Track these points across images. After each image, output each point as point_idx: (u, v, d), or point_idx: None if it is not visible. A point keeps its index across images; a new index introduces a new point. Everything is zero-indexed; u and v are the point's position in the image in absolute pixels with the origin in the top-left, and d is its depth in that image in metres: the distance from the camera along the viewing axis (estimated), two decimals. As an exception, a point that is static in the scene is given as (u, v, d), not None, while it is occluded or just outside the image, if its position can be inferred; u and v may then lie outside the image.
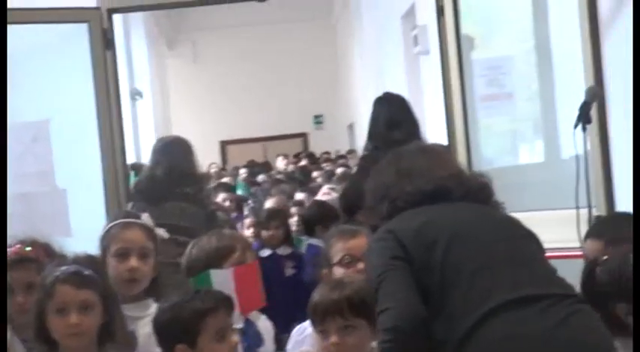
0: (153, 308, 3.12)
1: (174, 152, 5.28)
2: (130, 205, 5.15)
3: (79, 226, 4.83)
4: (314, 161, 14.08)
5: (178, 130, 18.68)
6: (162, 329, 2.72)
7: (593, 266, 2.69)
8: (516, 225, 2.64)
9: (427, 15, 9.97)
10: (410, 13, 11.08)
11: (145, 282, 3.19)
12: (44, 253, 3.24)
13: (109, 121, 5.11)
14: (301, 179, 10.49)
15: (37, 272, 3.12)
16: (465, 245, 2.51)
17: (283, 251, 5.85)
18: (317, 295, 2.86)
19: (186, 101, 19.05)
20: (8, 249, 3.24)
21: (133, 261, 3.17)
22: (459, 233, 2.53)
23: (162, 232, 3.34)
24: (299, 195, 7.43)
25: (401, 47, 11.98)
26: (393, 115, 5.26)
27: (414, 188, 2.68)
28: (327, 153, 16.29)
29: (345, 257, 3.31)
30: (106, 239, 3.25)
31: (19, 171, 4.93)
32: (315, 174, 11.69)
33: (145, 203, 5.04)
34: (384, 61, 13.48)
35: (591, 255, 3.08)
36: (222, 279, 2.90)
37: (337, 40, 19.23)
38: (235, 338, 2.74)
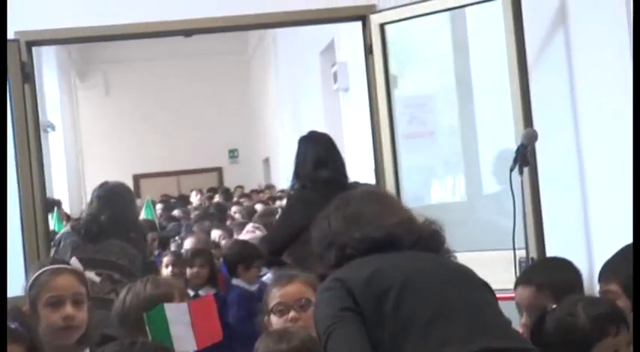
0: None
1: (120, 200, 5.18)
2: (59, 240, 5.00)
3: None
4: (229, 197, 13.92)
5: (90, 163, 18.42)
6: None
7: (543, 315, 2.63)
8: (469, 273, 2.57)
9: (347, 51, 10.02)
10: (329, 49, 11.12)
11: (81, 329, 3.02)
12: None
13: (28, 157, 4.92)
14: (218, 215, 10.33)
15: None
16: (417, 294, 2.42)
17: (206, 292, 5.70)
18: (262, 346, 2.73)
19: (98, 134, 18.73)
20: None
21: (69, 309, 2.98)
22: (410, 282, 2.44)
23: (92, 276, 3.18)
24: (214, 234, 7.30)
25: (319, 83, 12.01)
26: (320, 154, 5.21)
27: (363, 235, 2.58)
28: (240, 187, 16.17)
29: (278, 304, 3.20)
30: (35, 287, 3.05)
31: None
32: (233, 209, 11.54)
33: (81, 240, 4.94)
34: (301, 96, 13.49)
35: (522, 302, 3.07)
36: (177, 314, 2.77)
37: (252, 75, 19.21)
38: None
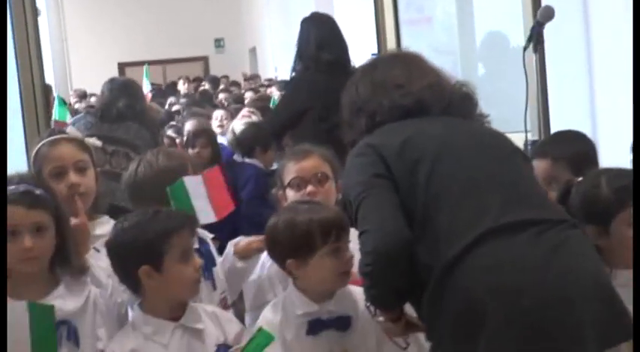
0: (109, 225, 2.96)
1: (132, 90, 5.39)
2: (71, 121, 5.09)
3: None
4: (216, 85, 13.80)
5: (76, 51, 18.17)
6: (123, 250, 2.56)
7: (568, 189, 2.63)
8: (502, 140, 2.52)
9: None
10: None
11: (91, 196, 2.99)
12: None
13: (27, 41, 4.78)
14: (206, 103, 10.25)
15: None
16: (450, 165, 2.38)
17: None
18: (285, 218, 2.68)
19: (83, 20, 18.40)
20: None
21: (72, 177, 2.95)
22: (443, 152, 2.40)
23: (93, 140, 3.14)
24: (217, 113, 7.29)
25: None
26: (323, 35, 5.17)
27: (392, 103, 2.53)
28: (225, 76, 15.98)
29: (295, 178, 3.19)
30: (38, 161, 3.02)
31: None
32: (221, 96, 11.47)
33: (98, 121, 5.12)
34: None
35: (539, 175, 3.00)
36: (195, 186, 2.75)
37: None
38: (199, 259, 2.61)
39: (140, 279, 2.53)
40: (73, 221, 2.74)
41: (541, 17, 3.68)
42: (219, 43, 19.44)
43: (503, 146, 2.50)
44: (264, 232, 2.75)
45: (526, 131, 3.80)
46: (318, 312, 2.67)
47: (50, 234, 2.55)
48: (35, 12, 5.03)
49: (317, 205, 2.77)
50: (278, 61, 15.11)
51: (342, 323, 2.68)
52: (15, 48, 4.80)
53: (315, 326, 2.67)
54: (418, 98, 2.52)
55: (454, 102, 2.55)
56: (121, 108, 5.15)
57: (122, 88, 5.33)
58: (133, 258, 2.52)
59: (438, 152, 2.40)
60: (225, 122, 7.12)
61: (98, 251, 2.76)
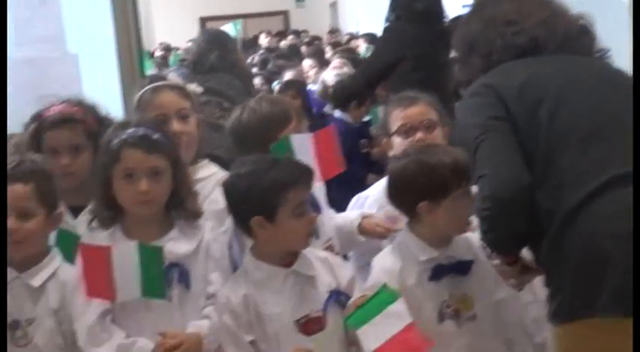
0: (210, 169, 2.92)
1: (225, 41, 5.33)
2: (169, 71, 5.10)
3: (92, 93, 4.56)
4: (300, 39, 13.74)
5: (157, 8, 18.23)
6: (238, 197, 2.52)
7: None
8: (623, 77, 2.40)
9: None
10: None
11: (194, 144, 2.97)
12: (91, 115, 3.03)
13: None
14: (290, 56, 10.18)
15: (84, 135, 2.97)
16: (574, 105, 2.28)
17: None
18: (404, 165, 2.62)
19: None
20: (52, 107, 3.03)
21: (176, 125, 2.93)
22: (566, 92, 2.30)
23: (194, 87, 3.11)
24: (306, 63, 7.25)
25: None
26: None
27: (505, 41, 2.41)
28: (305, 31, 15.87)
29: (403, 126, 3.12)
30: (139, 108, 3.00)
31: (26, 35, 4.63)
32: (303, 49, 11.38)
33: (191, 72, 5.11)
34: None
35: None
36: (302, 144, 2.69)
37: None
38: (313, 215, 2.56)
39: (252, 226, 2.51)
40: None
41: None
42: (299, -2, 19.34)
43: (625, 84, 2.37)
44: (388, 176, 2.70)
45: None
46: (439, 258, 2.63)
47: (166, 179, 2.54)
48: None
49: (444, 148, 2.71)
50: (360, 15, 14.96)
51: (463, 267, 2.65)
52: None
53: (437, 272, 2.63)
54: (532, 36, 2.41)
55: (571, 38, 2.42)
56: (213, 59, 5.10)
57: (214, 40, 5.28)
58: (247, 207, 2.49)
59: (561, 92, 2.30)
60: (313, 71, 7.07)
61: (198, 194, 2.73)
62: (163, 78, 3.18)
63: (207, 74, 5.01)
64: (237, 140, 2.98)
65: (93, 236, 2.56)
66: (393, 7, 5.22)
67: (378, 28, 11.45)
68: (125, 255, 2.33)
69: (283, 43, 12.98)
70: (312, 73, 7.09)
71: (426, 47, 5.10)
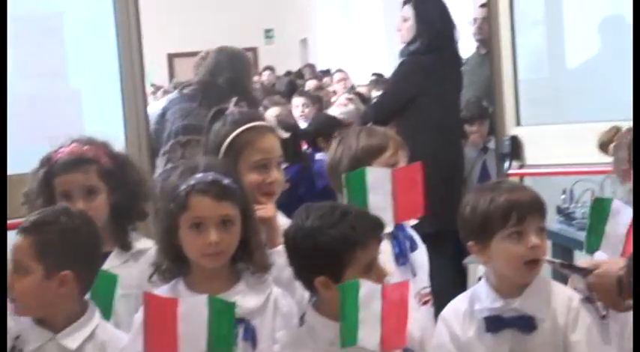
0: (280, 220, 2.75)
1: (238, 66, 4.98)
2: (164, 110, 4.76)
3: (95, 130, 4.35)
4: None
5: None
6: (300, 255, 2.35)
7: None
8: None
9: None
10: None
11: (279, 192, 2.80)
12: (105, 153, 2.82)
13: (127, 14, 4.57)
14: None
15: (98, 175, 2.79)
16: None
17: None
18: (500, 196, 2.47)
19: (132, 11, 18.21)
20: (61, 149, 2.82)
21: (275, 173, 2.75)
22: None
23: (282, 132, 2.92)
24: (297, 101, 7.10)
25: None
26: (443, 11, 5.03)
27: None
28: (270, 67, 15.67)
29: None
30: (237, 147, 2.75)
31: (28, 70, 4.42)
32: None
33: (197, 106, 4.75)
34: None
35: None
36: (379, 179, 2.49)
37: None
38: (383, 269, 2.37)
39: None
40: (264, 210, 2.53)
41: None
42: (268, 34, 19.20)
43: None
44: None
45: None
46: (501, 309, 2.48)
47: (236, 228, 2.38)
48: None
49: (503, 184, 2.59)
50: (332, 52, 14.87)
51: (524, 323, 2.47)
52: (116, 24, 4.57)
53: (493, 324, 2.47)
54: None
55: None
56: (221, 85, 4.80)
57: (228, 61, 4.95)
58: (310, 266, 2.32)
59: None
60: (307, 110, 6.91)
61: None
62: (258, 116, 2.95)
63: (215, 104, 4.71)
64: (332, 173, 2.86)
65: (152, 290, 2.36)
66: (418, 36, 5.01)
67: (351, 65, 11.37)
68: (194, 309, 2.16)
69: (257, 79, 12.82)
70: (307, 110, 6.92)
71: (443, 78, 5.00)
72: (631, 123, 3.25)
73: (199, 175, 2.36)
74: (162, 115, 4.96)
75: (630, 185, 2.77)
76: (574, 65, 5.65)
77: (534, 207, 2.46)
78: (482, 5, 5.80)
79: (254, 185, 2.65)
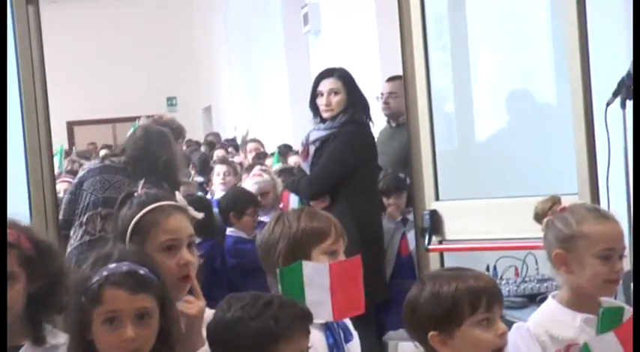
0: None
1: (171, 145, 4.87)
2: (82, 179, 4.68)
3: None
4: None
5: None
6: (222, 349, 2.20)
7: None
8: None
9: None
10: (294, -10, 10.66)
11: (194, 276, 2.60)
12: (27, 239, 2.60)
13: (32, 82, 4.61)
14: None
15: (18, 262, 2.54)
16: None
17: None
18: (465, 283, 2.37)
19: (31, 78, 17.85)
20: None
21: (186, 254, 2.56)
22: None
23: (195, 212, 2.75)
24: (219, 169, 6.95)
25: (280, 26, 11.54)
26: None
27: None
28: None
29: None
30: (143, 229, 2.59)
31: None
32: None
33: (125, 177, 4.66)
34: (256, 40, 12.98)
35: None
36: (316, 273, 2.34)
37: (194, 18, 18.53)
38: None
39: None
40: (188, 307, 2.34)
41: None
42: (171, 102, 19.03)
43: None
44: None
45: (608, 192, 3.50)
46: None
47: (154, 321, 2.19)
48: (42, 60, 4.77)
49: (463, 271, 2.47)
50: (238, 119, 14.78)
51: None
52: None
53: None
54: None
55: None
56: (160, 164, 4.70)
57: (162, 140, 4.83)
58: None
59: None
60: (228, 178, 6.76)
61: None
62: (170, 197, 2.77)
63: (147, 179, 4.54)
64: (266, 257, 2.67)
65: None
66: (344, 111, 4.93)
67: (257, 133, 11.25)
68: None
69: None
70: (228, 179, 6.77)
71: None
72: (568, 200, 3.19)
73: (113, 265, 2.19)
74: (79, 185, 4.76)
75: (562, 272, 2.70)
76: (482, 138, 5.65)
77: (500, 295, 2.40)
78: (390, 80, 5.78)
79: (164, 269, 2.45)
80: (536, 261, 4.04)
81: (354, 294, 2.43)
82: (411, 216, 5.15)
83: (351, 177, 4.81)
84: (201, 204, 5.38)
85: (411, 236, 5.02)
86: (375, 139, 5.25)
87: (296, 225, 2.64)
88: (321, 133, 4.96)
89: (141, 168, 4.68)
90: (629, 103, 3.38)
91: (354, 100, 4.89)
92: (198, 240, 4.66)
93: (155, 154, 4.72)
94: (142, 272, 2.18)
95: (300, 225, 2.63)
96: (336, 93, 4.91)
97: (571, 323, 2.57)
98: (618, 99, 3.40)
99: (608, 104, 3.44)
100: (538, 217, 2.80)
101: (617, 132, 3.43)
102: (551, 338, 2.64)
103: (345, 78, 4.94)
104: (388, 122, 5.83)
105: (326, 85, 4.94)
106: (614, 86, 3.42)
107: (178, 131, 5.58)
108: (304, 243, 2.59)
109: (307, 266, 2.38)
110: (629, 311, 2.52)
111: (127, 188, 4.44)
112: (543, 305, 2.79)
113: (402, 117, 5.27)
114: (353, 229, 4.56)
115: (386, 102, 5.64)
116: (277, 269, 2.46)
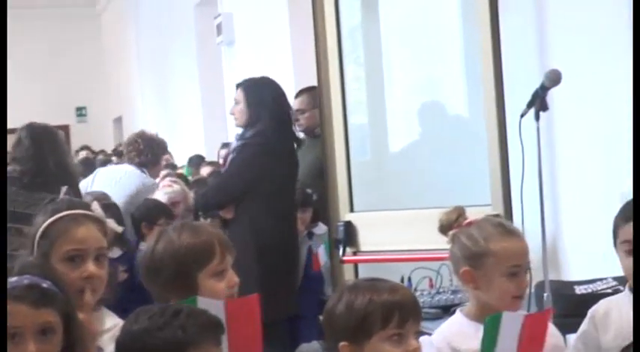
0: (111, 320, 2.49)
1: (61, 145, 4.73)
2: None
3: None
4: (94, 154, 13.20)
5: None
6: None
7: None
8: None
9: (232, 3, 9.51)
10: (208, 2, 10.57)
11: (102, 289, 2.51)
12: None
13: None
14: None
15: None
16: None
17: (113, 253, 5.16)
18: (380, 297, 2.33)
19: None
20: None
21: (91, 266, 2.46)
22: None
23: (115, 225, 2.65)
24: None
25: (192, 37, 11.43)
26: (278, 94, 5.01)
27: None
28: (87, 147, 15.22)
29: None
30: (49, 237, 2.50)
31: None
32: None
33: (21, 189, 4.38)
34: (168, 50, 12.84)
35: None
36: (211, 310, 2.24)
37: (104, 29, 18.25)
38: None
39: None
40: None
41: (547, 82, 3.41)
42: (80, 112, 18.66)
43: None
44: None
45: (523, 203, 3.53)
46: None
47: (58, 337, 2.07)
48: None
49: (381, 283, 2.42)
50: (150, 130, 14.55)
51: None
52: None
53: None
54: None
55: None
56: (52, 169, 4.45)
57: (50, 140, 4.60)
58: None
59: None
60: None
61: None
62: (85, 206, 2.65)
63: (41, 192, 4.26)
64: (150, 277, 2.57)
65: None
66: (251, 122, 4.89)
67: (169, 144, 11.11)
68: None
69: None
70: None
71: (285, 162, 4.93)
72: (480, 211, 3.20)
73: (13, 279, 2.07)
74: None
75: (470, 288, 2.69)
76: (396, 149, 5.66)
77: (416, 310, 2.36)
78: (297, 96, 5.75)
79: (65, 280, 2.30)
80: (450, 273, 4.04)
81: (250, 332, 2.35)
82: (316, 230, 5.18)
83: (253, 191, 4.78)
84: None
85: (321, 251, 4.98)
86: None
87: (177, 239, 2.55)
88: (236, 143, 5.02)
89: (40, 177, 4.46)
90: (543, 115, 3.41)
91: (259, 113, 4.85)
92: (119, 253, 4.65)
93: (46, 160, 4.50)
94: (44, 285, 2.07)
95: (182, 240, 2.55)
96: (237, 103, 4.97)
97: (475, 335, 2.55)
98: (532, 111, 3.42)
99: (522, 115, 3.46)
100: (443, 229, 2.79)
101: (531, 143, 3.46)
102: (453, 350, 2.63)
103: (246, 89, 4.93)
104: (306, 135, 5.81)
105: (235, 95, 5.04)
106: (528, 97, 3.44)
107: (163, 147, 5.47)
108: (189, 262, 2.51)
109: (202, 303, 2.29)
110: (518, 316, 2.48)
111: (22, 200, 4.29)
112: (451, 318, 2.81)
113: (317, 129, 5.24)
114: (250, 244, 4.55)
115: (296, 120, 5.64)
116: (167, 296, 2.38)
